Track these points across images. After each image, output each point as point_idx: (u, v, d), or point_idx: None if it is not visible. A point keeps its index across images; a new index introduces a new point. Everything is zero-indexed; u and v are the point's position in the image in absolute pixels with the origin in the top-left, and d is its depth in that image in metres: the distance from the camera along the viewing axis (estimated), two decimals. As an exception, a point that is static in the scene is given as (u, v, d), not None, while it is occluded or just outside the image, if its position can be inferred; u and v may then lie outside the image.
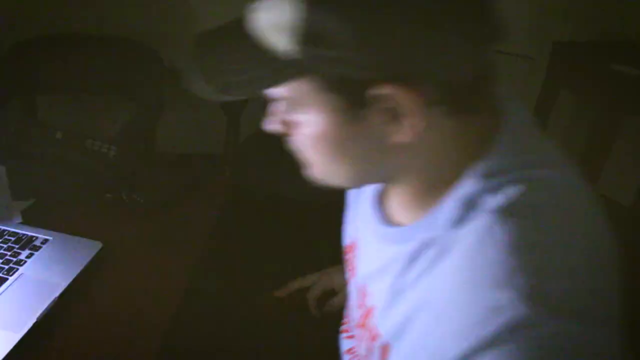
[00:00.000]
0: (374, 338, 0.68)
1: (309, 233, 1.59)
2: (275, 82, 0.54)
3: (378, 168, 0.60)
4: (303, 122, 0.57)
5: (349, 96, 0.52)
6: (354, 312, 0.80)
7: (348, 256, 0.84)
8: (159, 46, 1.96)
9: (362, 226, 0.77)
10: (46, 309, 0.84)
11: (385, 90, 0.50)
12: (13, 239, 0.98)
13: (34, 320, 0.82)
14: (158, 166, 1.19)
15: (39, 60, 1.89)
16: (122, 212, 1.10)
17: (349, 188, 0.65)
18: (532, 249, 0.50)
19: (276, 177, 1.62)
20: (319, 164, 0.61)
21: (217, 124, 2.05)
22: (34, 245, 0.97)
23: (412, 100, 0.51)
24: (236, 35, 0.55)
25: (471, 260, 0.52)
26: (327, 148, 0.57)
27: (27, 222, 1.04)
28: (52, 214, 1.08)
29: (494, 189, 0.54)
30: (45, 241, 0.98)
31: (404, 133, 0.53)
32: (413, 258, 0.60)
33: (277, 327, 1.13)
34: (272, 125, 0.62)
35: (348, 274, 0.83)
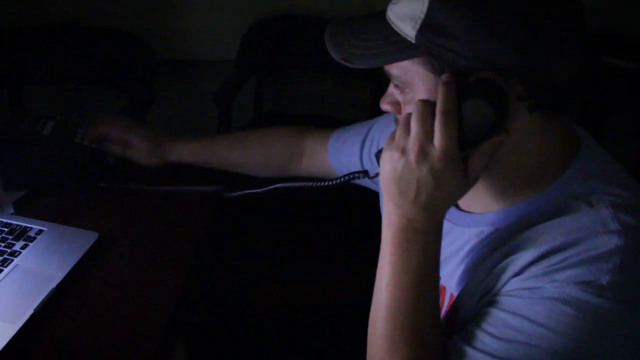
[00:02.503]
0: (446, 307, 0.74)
1: (301, 222, 1.59)
2: (393, 59, 0.63)
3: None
4: (409, 101, 0.65)
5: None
6: None
7: None
8: (150, 38, 1.95)
9: None
10: (43, 300, 0.83)
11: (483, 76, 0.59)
12: (7, 229, 0.96)
13: (31, 311, 0.81)
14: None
15: (27, 51, 1.87)
16: (117, 203, 1.09)
17: None
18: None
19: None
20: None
21: (208, 115, 2.04)
22: (29, 236, 0.95)
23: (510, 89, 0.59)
24: (370, 19, 0.67)
25: (578, 241, 0.60)
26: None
27: (19, 213, 1.03)
28: (44, 204, 1.06)
29: (597, 191, 0.63)
30: (40, 232, 0.97)
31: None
32: (507, 233, 0.67)
33: (277, 320, 1.13)
34: (385, 104, 0.70)
35: None
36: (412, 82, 0.64)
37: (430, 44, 0.60)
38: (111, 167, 1.13)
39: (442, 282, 0.75)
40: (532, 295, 0.59)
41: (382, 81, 0.69)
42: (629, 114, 2.17)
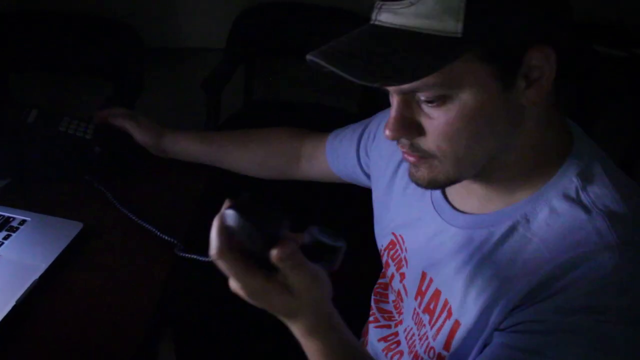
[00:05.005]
0: (443, 319, 0.72)
1: (298, 216, 1.58)
2: (438, 65, 0.56)
3: (503, 143, 0.64)
4: (448, 108, 0.60)
5: (505, 64, 0.58)
6: (405, 302, 0.83)
7: (390, 253, 0.87)
8: (138, 25, 1.92)
9: (414, 219, 0.81)
10: (25, 291, 0.81)
11: (535, 52, 0.57)
12: (-11, 220, 0.94)
13: (12, 303, 0.79)
14: (137, 148, 1.15)
15: (13, 38, 1.83)
16: (102, 192, 1.07)
17: (468, 178, 0.68)
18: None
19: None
20: (456, 151, 0.63)
21: (197, 104, 2.01)
22: (11, 227, 0.94)
23: (553, 55, 0.58)
24: (370, 38, 0.59)
25: (579, 260, 0.58)
26: (476, 126, 0.61)
27: (2, 202, 1.00)
28: (28, 194, 1.04)
29: (591, 192, 0.62)
30: (23, 222, 0.95)
31: (538, 93, 0.60)
32: (502, 240, 0.66)
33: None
34: (395, 131, 0.63)
35: (390, 270, 0.87)
36: (460, 83, 0.58)
37: (481, 31, 0.55)
38: (96, 156, 1.11)
39: (437, 285, 0.74)
40: (540, 329, 0.58)
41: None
42: (622, 103, 2.17)
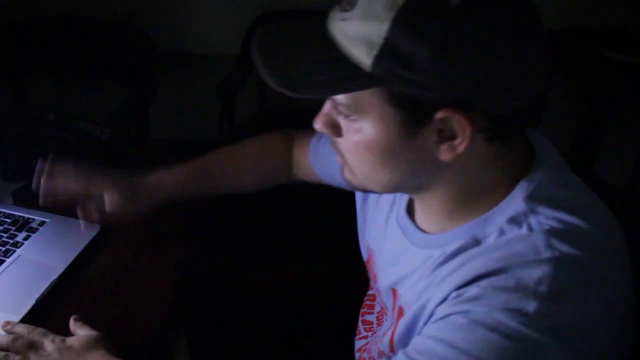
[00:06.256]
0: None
1: (304, 215, 1.59)
2: (344, 89, 0.57)
3: (417, 179, 0.64)
4: (356, 129, 0.60)
5: (411, 114, 0.56)
6: (387, 315, 0.82)
7: (369, 266, 0.87)
8: (152, 31, 1.94)
9: (381, 236, 0.81)
10: (45, 291, 0.83)
11: (446, 114, 0.55)
12: (9, 220, 0.96)
13: (32, 302, 0.81)
14: (151, 151, 1.17)
15: (29, 43, 1.86)
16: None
17: (382, 193, 0.70)
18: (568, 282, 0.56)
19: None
20: (361, 169, 0.64)
21: (211, 109, 2.03)
22: (31, 227, 0.95)
23: (468, 126, 0.55)
24: (307, 36, 0.60)
25: (508, 268, 0.57)
26: (375, 156, 0.61)
27: (18, 203, 1.02)
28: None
29: (540, 214, 0.60)
30: (42, 223, 0.97)
31: (450, 153, 0.58)
32: (449, 258, 0.64)
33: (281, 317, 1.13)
34: (319, 125, 0.65)
35: (372, 283, 0.87)
36: (364, 112, 0.58)
37: (389, 75, 0.53)
38: (104, 144, 1.12)
39: (400, 303, 0.73)
40: (459, 320, 0.57)
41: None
42: (632, 109, 2.16)
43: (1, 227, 0.94)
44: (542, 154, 0.66)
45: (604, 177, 2.08)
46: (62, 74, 2.06)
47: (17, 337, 0.74)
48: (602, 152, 1.97)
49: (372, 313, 0.90)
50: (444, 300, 0.60)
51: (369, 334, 0.87)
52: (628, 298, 0.62)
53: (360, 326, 0.91)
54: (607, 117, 1.94)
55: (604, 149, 1.96)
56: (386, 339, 0.72)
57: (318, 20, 0.60)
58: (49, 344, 0.74)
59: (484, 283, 0.57)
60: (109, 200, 0.91)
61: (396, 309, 0.75)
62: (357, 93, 0.57)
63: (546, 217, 0.60)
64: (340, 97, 0.59)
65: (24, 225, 0.96)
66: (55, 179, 0.90)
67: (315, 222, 1.58)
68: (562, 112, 2.47)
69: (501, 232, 0.61)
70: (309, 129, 0.70)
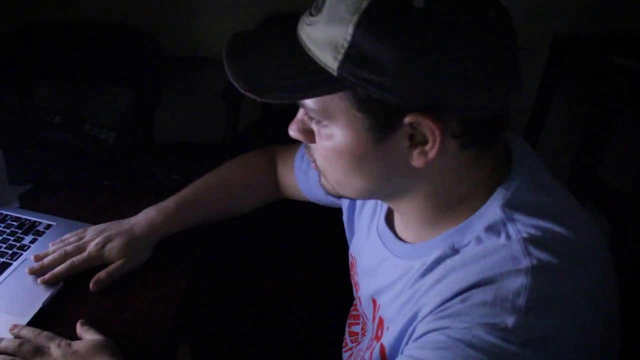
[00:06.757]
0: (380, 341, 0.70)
1: (305, 220, 1.59)
2: (312, 93, 0.56)
3: (390, 186, 0.63)
4: (327, 135, 0.60)
5: (380, 119, 0.55)
6: (368, 325, 0.82)
7: (352, 274, 0.87)
8: (158, 35, 1.95)
9: (363, 244, 0.80)
10: (52, 294, 0.83)
11: (415, 119, 0.54)
12: (16, 224, 0.96)
13: (39, 305, 0.81)
14: (156, 155, 1.17)
15: (36, 46, 1.87)
16: (124, 197, 1.08)
17: (356, 199, 0.70)
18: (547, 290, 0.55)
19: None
20: (335, 174, 0.64)
21: (216, 112, 2.03)
22: (37, 231, 0.95)
23: (437, 131, 0.54)
24: (278, 41, 0.59)
25: (488, 281, 0.56)
26: (346, 162, 0.60)
27: (25, 207, 1.02)
28: (49, 199, 1.06)
29: (518, 221, 0.59)
30: (48, 226, 0.97)
31: (421, 158, 0.57)
32: (429, 270, 0.63)
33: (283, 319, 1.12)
34: (293, 131, 0.65)
35: (355, 292, 0.87)
36: (333, 118, 0.58)
37: (355, 79, 0.53)
38: (110, 147, 1.12)
39: (381, 313, 0.73)
40: (438, 338, 0.56)
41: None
42: (639, 114, 2.16)
43: (8, 230, 0.94)
44: (519, 159, 0.64)
45: (609, 182, 2.07)
46: (68, 77, 2.07)
47: (23, 342, 0.74)
48: (608, 156, 1.97)
49: (358, 324, 0.89)
50: (425, 317, 0.60)
51: (354, 345, 0.87)
52: (613, 300, 0.61)
53: (347, 338, 0.90)
54: (613, 121, 1.93)
55: (610, 153, 1.96)
56: (368, 354, 0.71)
57: (289, 26, 0.59)
58: (55, 348, 0.74)
59: (464, 297, 0.57)
60: (120, 266, 0.89)
61: (377, 320, 0.75)
62: (326, 98, 0.56)
63: (524, 225, 0.59)
64: (309, 103, 0.58)
65: (31, 229, 0.96)
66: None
67: (318, 227, 1.57)
68: (568, 116, 2.48)
69: (479, 241, 0.60)
70: (289, 143, 0.69)
